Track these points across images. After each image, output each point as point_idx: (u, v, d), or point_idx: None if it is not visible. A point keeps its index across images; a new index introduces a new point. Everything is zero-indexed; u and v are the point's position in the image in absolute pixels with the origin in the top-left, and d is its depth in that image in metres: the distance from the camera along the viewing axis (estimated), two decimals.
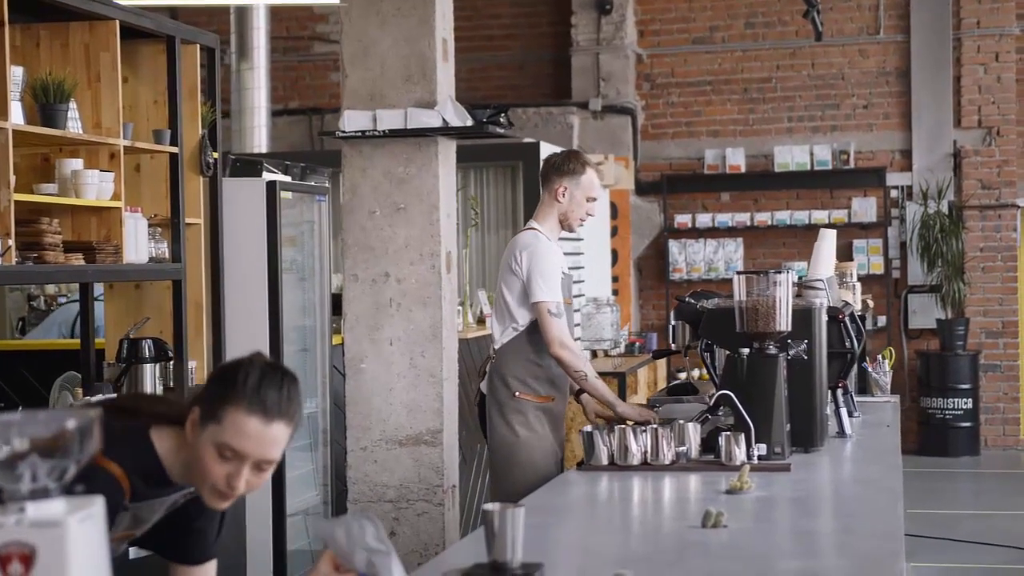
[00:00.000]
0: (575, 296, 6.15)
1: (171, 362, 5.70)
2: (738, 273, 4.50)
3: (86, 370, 5.72)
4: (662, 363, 11.27)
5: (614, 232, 12.54)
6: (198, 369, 5.94)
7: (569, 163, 5.32)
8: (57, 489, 1.81)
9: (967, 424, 12.32)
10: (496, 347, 5.31)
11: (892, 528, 3.28)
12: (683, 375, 12.40)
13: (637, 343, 11.15)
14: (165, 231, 5.72)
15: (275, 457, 2.59)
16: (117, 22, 5.29)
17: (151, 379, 5.54)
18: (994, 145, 12.60)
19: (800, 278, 5.41)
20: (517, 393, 5.21)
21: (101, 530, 1.84)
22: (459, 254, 7.29)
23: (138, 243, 5.39)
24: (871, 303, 10.74)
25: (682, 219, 12.99)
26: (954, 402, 12.28)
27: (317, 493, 6.99)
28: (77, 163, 5.13)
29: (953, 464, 12.02)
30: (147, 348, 5.53)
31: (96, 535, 1.83)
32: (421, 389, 5.80)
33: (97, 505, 1.84)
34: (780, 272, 4.45)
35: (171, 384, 5.73)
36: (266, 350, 6.35)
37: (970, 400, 12.30)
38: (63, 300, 8.73)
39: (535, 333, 5.17)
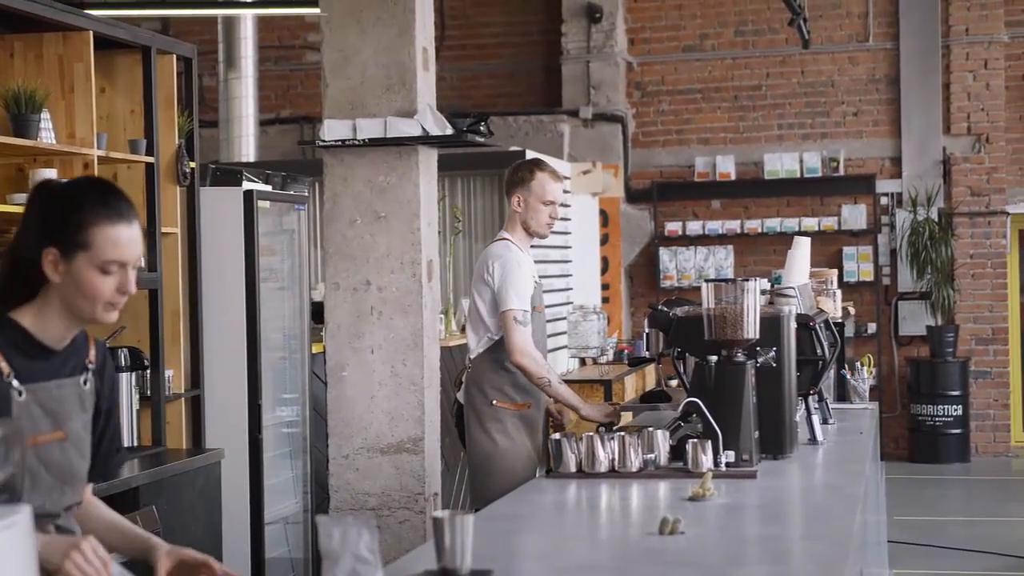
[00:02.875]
0: (547, 306, 6.18)
1: (147, 371, 5.71)
2: (706, 281, 4.51)
3: None
4: (651, 370, 11.28)
5: (605, 240, 12.57)
6: (175, 378, 5.96)
7: (518, 172, 5.49)
8: None
9: (957, 431, 12.32)
10: (472, 356, 5.38)
11: (844, 534, 3.28)
12: (674, 383, 12.42)
13: (626, 351, 11.16)
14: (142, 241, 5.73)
15: (140, 252, 2.76)
16: (91, 33, 5.31)
17: (127, 388, 5.55)
18: (983, 152, 12.62)
19: (772, 285, 5.43)
20: (495, 402, 5.29)
21: (28, 539, 1.85)
22: (442, 262, 7.31)
23: None
24: (852, 310, 10.74)
25: (672, 227, 13.01)
26: (944, 409, 12.28)
27: (297, 501, 7.00)
28: (51, 173, 5.15)
29: (943, 471, 12.02)
30: (123, 357, 5.53)
31: (22, 543, 1.84)
32: (402, 397, 5.81)
33: (23, 514, 1.85)
34: (748, 280, 4.47)
35: (148, 393, 5.74)
36: (244, 358, 6.38)
37: (960, 407, 12.30)
38: None
39: None
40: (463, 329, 8.27)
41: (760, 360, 4.51)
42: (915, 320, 12.64)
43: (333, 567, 2.65)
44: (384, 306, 5.84)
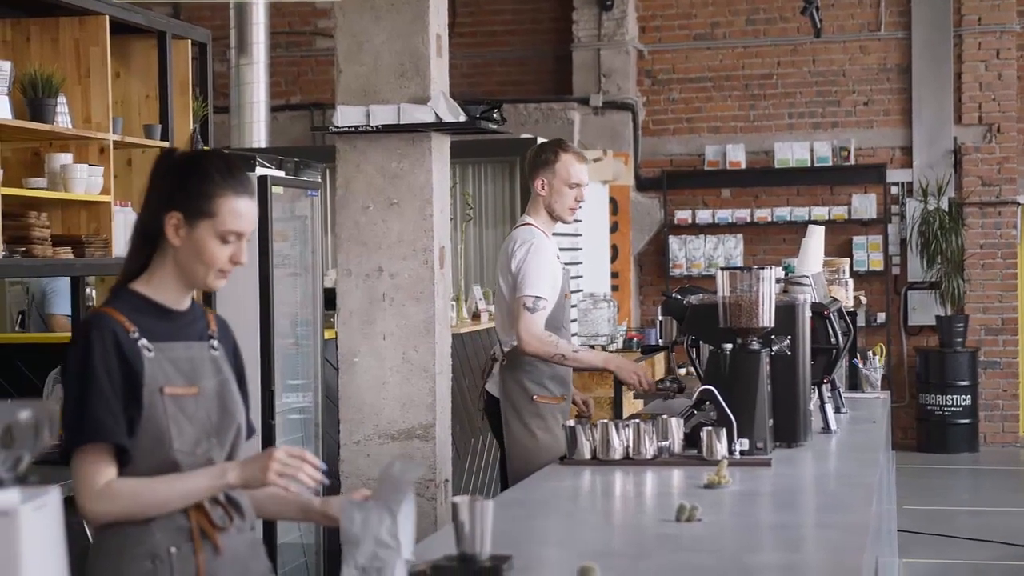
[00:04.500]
0: (572, 291, 6.15)
1: None
2: (721, 269, 4.51)
3: None
4: (660, 358, 11.28)
5: (614, 228, 12.56)
6: None
7: (542, 154, 5.32)
8: (11, 479, 1.83)
9: (966, 421, 12.32)
10: (506, 349, 5.25)
11: (861, 522, 3.29)
12: (683, 371, 12.42)
13: (636, 339, 11.15)
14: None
15: (256, 226, 2.91)
16: (107, 17, 5.32)
17: None
18: (994, 142, 12.60)
19: (786, 274, 5.42)
20: (536, 396, 5.19)
21: (56, 520, 1.86)
22: (453, 249, 7.31)
23: (128, 237, 5.41)
24: (864, 299, 10.74)
25: (682, 215, 13.00)
26: (953, 399, 12.28)
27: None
28: (66, 157, 5.15)
29: (952, 460, 12.02)
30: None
31: (51, 524, 1.85)
32: (414, 384, 5.81)
33: (53, 495, 1.86)
34: (763, 268, 4.46)
35: None
36: (257, 344, 6.38)
37: (969, 397, 12.30)
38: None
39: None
40: (475, 316, 8.28)
41: (775, 348, 4.50)
42: (924, 310, 12.63)
43: (354, 551, 2.65)
44: (396, 293, 5.83)
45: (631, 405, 9.05)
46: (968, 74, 12.65)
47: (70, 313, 7.23)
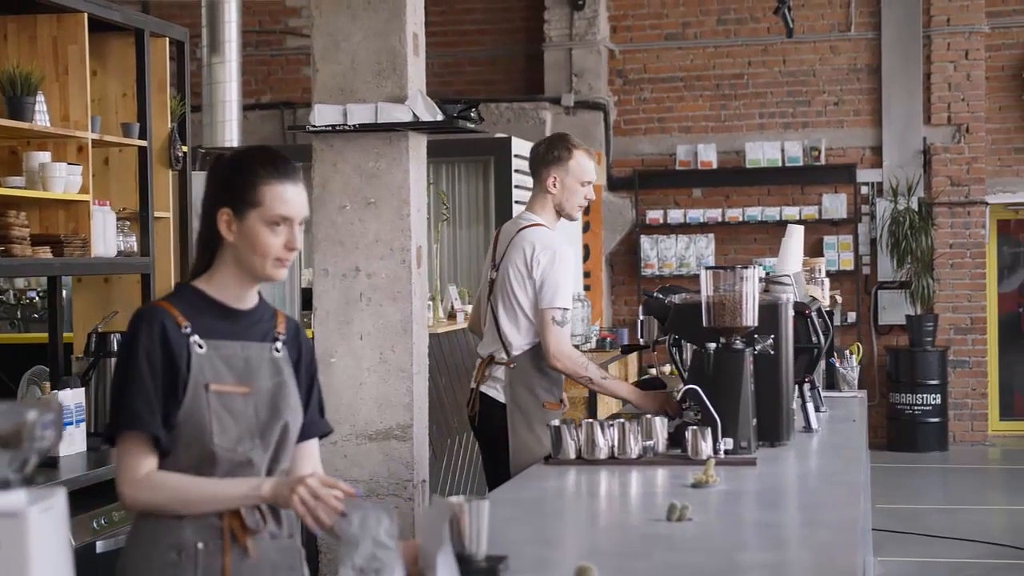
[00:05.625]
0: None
1: None
2: (706, 268, 4.51)
3: (54, 364, 5.70)
4: (633, 358, 11.30)
5: (586, 227, 12.57)
6: None
7: (553, 151, 5.12)
8: (18, 480, 1.82)
9: (936, 419, 12.39)
10: (516, 353, 5.06)
11: (851, 521, 3.30)
12: (652, 370, 12.44)
13: (609, 338, 11.16)
14: (134, 225, 5.70)
15: (307, 213, 2.96)
16: (85, 15, 5.27)
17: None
18: (963, 142, 12.68)
19: (767, 273, 5.43)
20: (546, 404, 5.05)
21: (63, 521, 1.85)
22: (430, 249, 7.29)
23: (106, 237, 5.37)
24: (839, 299, 10.79)
25: (654, 215, 13.02)
26: (923, 398, 12.35)
27: None
28: (45, 156, 5.11)
29: (922, 459, 12.09)
30: (116, 342, 5.50)
31: (57, 525, 1.83)
32: (391, 384, 5.80)
33: (59, 497, 1.84)
34: (747, 267, 4.47)
35: None
36: None
37: (939, 396, 12.38)
38: (32, 295, 8.69)
39: None
40: (450, 316, 8.26)
41: (758, 348, 4.51)
42: (895, 309, 12.70)
43: (352, 552, 2.64)
44: (373, 292, 5.82)
45: (606, 405, 9.07)
46: (937, 74, 12.72)
47: None
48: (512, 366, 5.07)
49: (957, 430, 12.67)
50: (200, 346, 2.86)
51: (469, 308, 8.36)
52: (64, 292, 6.45)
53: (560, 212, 5.17)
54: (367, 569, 2.68)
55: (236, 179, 2.91)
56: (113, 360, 5.52)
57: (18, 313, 8.37)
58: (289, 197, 2.90)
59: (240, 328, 2.94)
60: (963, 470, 11.79)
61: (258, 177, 2.89)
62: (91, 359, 5.53)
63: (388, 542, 2.64)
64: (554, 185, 5.11)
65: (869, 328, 12.80)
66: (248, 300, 2.97)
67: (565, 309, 4.98)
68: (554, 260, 4.99)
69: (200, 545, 2.84)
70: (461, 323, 7.87)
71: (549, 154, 5.14)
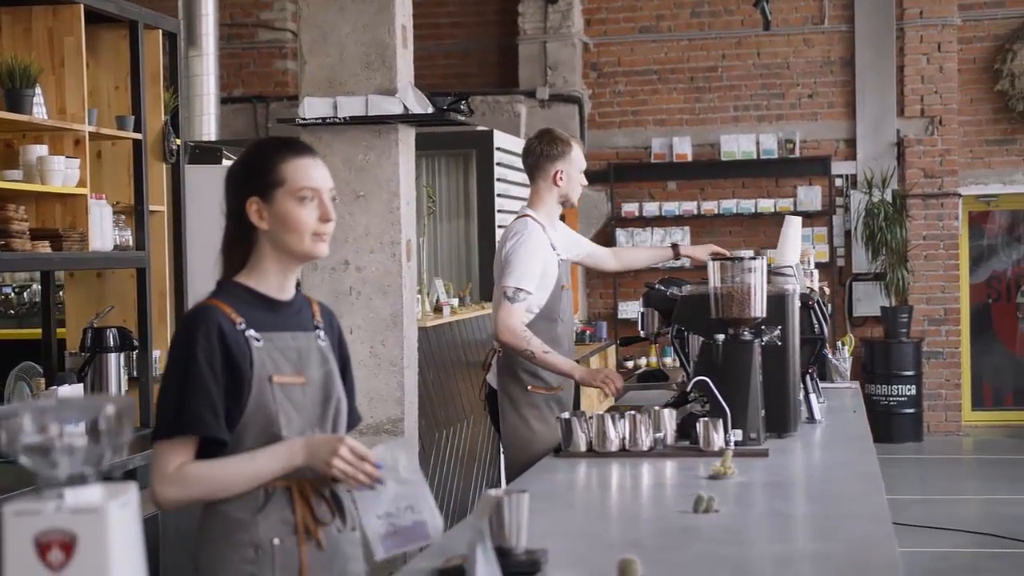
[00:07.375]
0: None
1: (135, 351, 5.63)
2: (713, 259, 4.50)
3: (48, 360, 5.64)
4: (611, 351, 11.31)
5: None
6: (162, 358, 5.88)
7: (555, 146, 5.31)
8: (95, 475, 1.79)
9: (910, 410, 12.47)
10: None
11: (883, 514, 3.31)
12: (634, 361, 12.46)
13: (588, 331, 11.18)
14: (128, 218, 5.65)
15: (332, 184, 2.94)
16: (81, 6, 5.21)
17: (115, 368, 5.47)
18: (936, 134, 12.74)
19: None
20: (530, 387, 5.17)
21: (136, 515, 1.82)
22: (417, 243, 7.26)
23: (103, 230, 5.32)
24: (827, 290, 10.83)
25: (629, 208, 13.03)
26: (898, 389, 12.42)
27: None
28: (42, 149, 5.05)
29: (897, 450, 12.15)
30: (111, 337, 5.46)
31: (133, 519, 1.81)
32: (382, 378, 5.79)
33: (132, 492, 1.82)
34: (755, 258, 4.47)
35: (135, 374, 5.66)
36: None
37: (913, 387, 12.45)
38: (8, 290, 8.62)
39: (541, 323, 5.13)
40: (437, 310, 8.23)
41: (765, 339, 4.51)
42: (869, 301, 12.76)
43: (375, 501, 2.65)
44: (363, 286, 5.81)
45: (588, 398, 9.06)
46: (910, 67, 12.79)
47: None
48: (499, 353, 5.20)
49: (932, 421, 12.75)
50: (257, 339, 2.85)
51: (455, 302, 8.35)
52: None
53: (565, 202, 5.38)
54: (396, 512, 2.68)
55: (255, 167, 2.91)
56: (109, 356, 5.47)
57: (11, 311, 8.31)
58: (310, 167, 2.90)
59: (285, 319, 2.93)
60: (938, 460, 11.86)
61: (276, 157, 2.90)
62: (86, 355, 5.48)
63: (410, 476, 2.65)
64: (561, 179, 5.31)
65: (844, 320, 12.86)
66: (288, 290, 2.96)
67: (519, 288, 5.08)
68: (518, 242, 5.13)
69: (276, 541, 2.81)
70: (448, 317, 7.85)
71: (553, 149, 5.30)
